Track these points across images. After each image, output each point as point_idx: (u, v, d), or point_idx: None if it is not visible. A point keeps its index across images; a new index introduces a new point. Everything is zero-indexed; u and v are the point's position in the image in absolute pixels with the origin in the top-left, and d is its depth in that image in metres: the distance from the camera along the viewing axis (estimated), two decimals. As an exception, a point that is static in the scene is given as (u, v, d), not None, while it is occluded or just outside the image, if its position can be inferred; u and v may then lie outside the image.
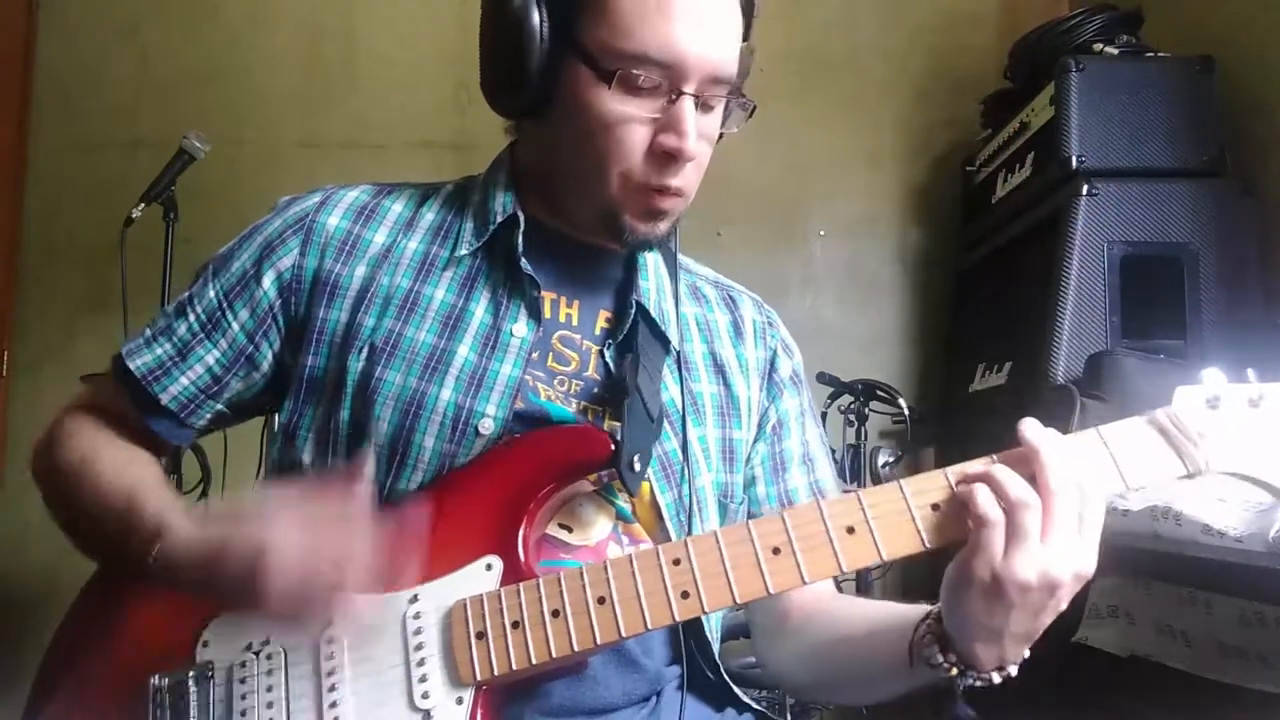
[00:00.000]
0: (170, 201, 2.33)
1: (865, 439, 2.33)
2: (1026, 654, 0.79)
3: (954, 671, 0.79)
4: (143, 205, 2.28)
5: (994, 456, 0.79)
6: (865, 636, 0.90)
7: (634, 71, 0.85)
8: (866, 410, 2.33)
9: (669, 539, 0.92)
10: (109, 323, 2.27)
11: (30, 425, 2.73)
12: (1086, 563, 0.74)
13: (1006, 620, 0.76)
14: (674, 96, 0.87)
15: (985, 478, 0.76)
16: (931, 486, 0.79)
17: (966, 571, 0.76)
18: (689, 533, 0.94)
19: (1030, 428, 0.77)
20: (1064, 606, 0.75)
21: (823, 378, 2.27)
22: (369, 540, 0.77)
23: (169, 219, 2.34)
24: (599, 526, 0.93)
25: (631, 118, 0.87)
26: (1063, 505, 0.74)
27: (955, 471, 0.79)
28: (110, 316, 2.25)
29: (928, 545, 0.78)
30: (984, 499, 0.75)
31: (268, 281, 0.95)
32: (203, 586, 0.80)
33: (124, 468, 0.92)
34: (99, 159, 2.83)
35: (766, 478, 1.05)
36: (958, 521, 0.77)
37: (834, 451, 2.30)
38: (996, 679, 0.79)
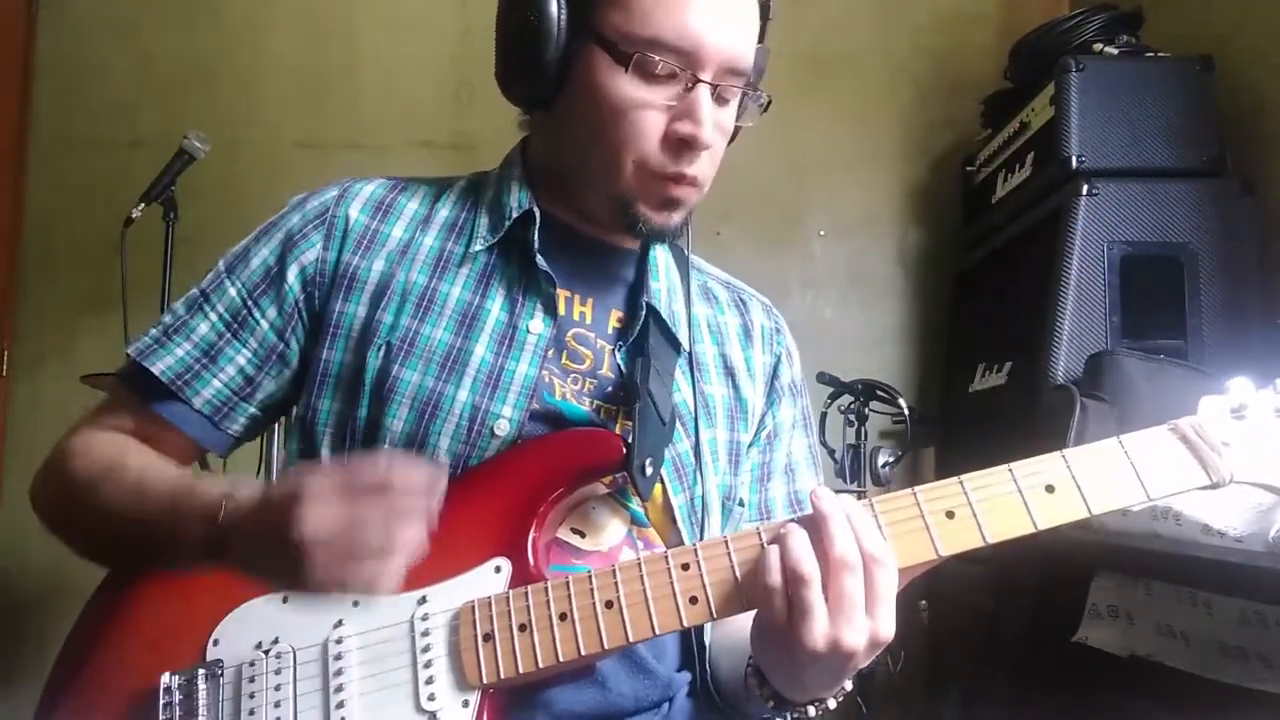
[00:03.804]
0: (170, 201, 2.33)
1: (865, 439, 2.32)
2: (849, 685, 0.79)
3: (771, 704, 0.81)
4: (143, 205, 2.28)
5: (796, 517, 0.78)
6: (740, 653, 0.89)
7: (651, 56, 0.85)
8: (866, 410, 2.33)
9: (681, 542, 0.92)
10: (109, 323, 2.26)
11: (30, 425, 2.74)
12: (881, 632, 0.72)
13: (802, 676, 0.76)
14: (690, 85, 0.87)
15: (778, 539, 0.75)
16: (750, 544, 0.77)
17: (761, 630, 0.77)
18: (702, 535, 0.94)
19: (822, 497, 0.75)
20: (866, 663, 0.74)
21: (823, 378, 2.28)
22: (422, 517, 0.71)
23: (169, 219, 2.34)
24: (612, 531, 0.93)
25: (647, 103, 0.87)
26: (849, 579, 0.71)
27: (769, 529, 0.77)
28: (110, 316, 2.24)
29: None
30: (769, 565, 0.73)
31: (292, 276, 0.94)
32: (254, 550, 0.75)
33: (161, 463, 0.90)
34: (99, 159, 2.83)
35: (751, 485, 1.05)
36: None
37: (833, 452, 2.30)
38: (812, 712, 0.80)
